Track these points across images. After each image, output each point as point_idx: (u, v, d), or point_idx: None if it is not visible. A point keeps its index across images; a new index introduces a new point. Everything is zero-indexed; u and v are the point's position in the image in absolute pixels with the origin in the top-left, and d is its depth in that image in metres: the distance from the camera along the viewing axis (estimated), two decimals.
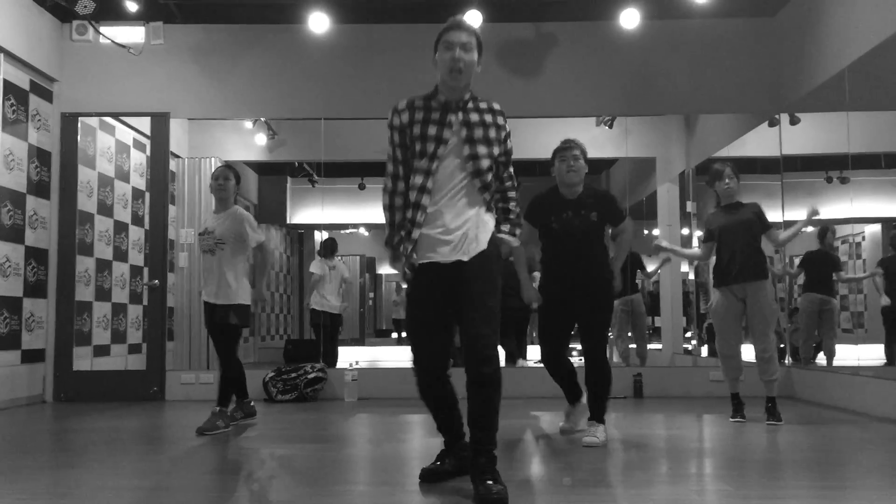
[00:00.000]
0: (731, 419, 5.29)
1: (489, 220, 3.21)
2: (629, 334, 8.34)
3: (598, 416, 4.49)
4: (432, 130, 3.14)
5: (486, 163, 3.14)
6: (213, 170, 8.33)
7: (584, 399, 4.69)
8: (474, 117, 3.18)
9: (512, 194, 3.40)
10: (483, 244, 3.13)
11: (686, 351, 8.65)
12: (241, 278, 5.14)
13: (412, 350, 3.17)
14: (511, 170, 3.40)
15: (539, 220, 4.62)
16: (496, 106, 3.28)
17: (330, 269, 8.85)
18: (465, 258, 3.09)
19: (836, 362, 6.85)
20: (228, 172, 5.22)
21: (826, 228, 7.00)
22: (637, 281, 8.46)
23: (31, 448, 4.39)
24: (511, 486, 3.06)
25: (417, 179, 3.14)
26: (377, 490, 3.31)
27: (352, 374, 6.81)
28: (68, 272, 7.06)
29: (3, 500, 3.03)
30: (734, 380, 5.35)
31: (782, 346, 7.36)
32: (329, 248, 9.05)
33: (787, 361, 7.12)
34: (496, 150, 3.21)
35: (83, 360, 7.18)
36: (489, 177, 3.17)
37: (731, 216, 5.30)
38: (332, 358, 8.30)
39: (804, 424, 5.18)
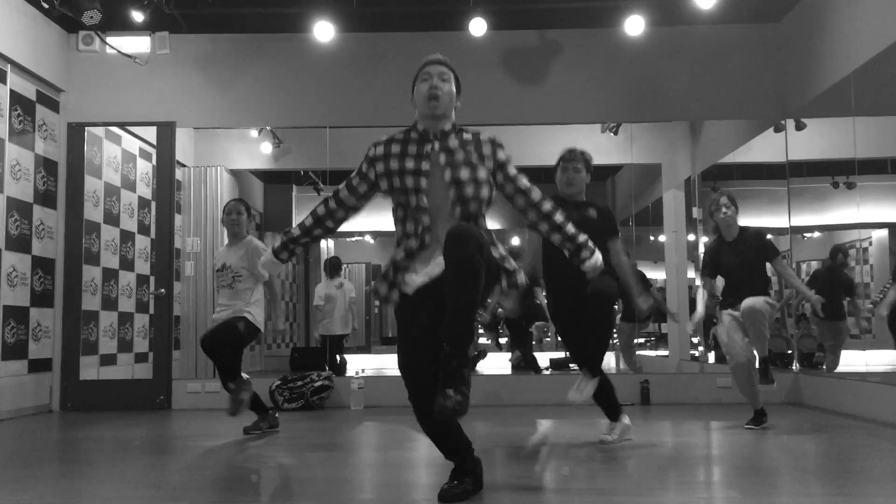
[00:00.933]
0: (745, 425, 5.20)
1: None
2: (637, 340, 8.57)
3: (614, 415, 4.60)
4: (410, 164, 3.03)
5: (470, 190, 2.99)
6: (218, 178, 8.40)
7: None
8: (454, 143, 3.07)
9: (559, 216, 3.15)
10: None
11: (693, 357, 8.62)
12: (258, 306, 5.19)
13: (407, 386, 3.02)
14: (536, 192, 3.15)
15: None
16: (484, 136, 3.13)
17: (336, 289, 8.81)
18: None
19: (844, 368, 6.80)
20: (241, 206, 5.28)
21: (838, 249, 6.87)
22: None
23: (38, 457, 4.39)
24: (518, 491, 3.05)
25: (403, 214, 3.05)
26: (384, 501, 3.30)
27: (358, 383, 6.81)
28: (75, 281, 7.08)
29: None
30: (753, 397, 5.19)
31: (790, 351, 7.33)
32: (334, 268, 9.02)
33: (794, 367, 7.08)
34: (482, 174, 3.03)
35: (90, 369, 7.19)
36: (474, 205, 3.01)
37: (733, 254, 5.24)
38: (339, 369, 8.32)
39: (812, 431, 5.16)
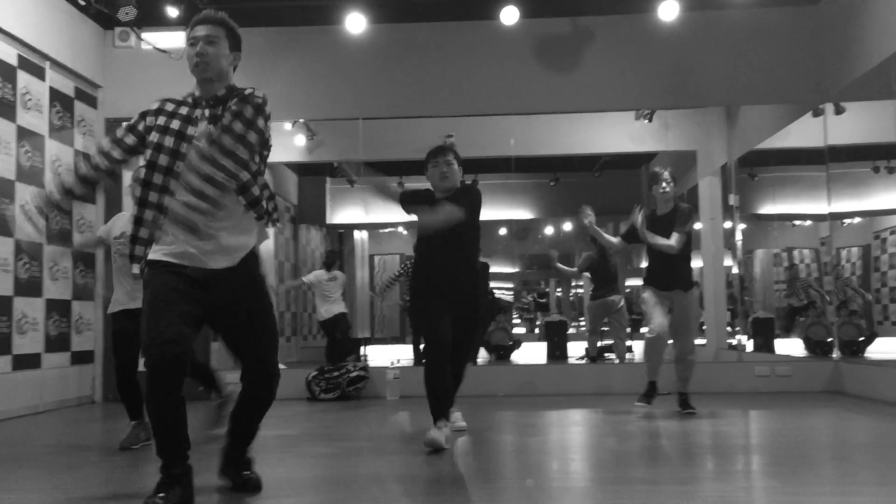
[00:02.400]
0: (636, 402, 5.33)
1: (251, 223, 2.97)
2: (604, 329, 8.70)
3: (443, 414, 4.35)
4: (174, 124, 2.97)
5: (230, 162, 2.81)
6: None
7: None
8: (226, 111, 2.94)
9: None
10: (246, 249, 2.94)
11: (730, 346, 8.53)
12: None
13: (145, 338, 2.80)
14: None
15: (409, 207, 4.57)
16: (257, 95, 3.00)
17: (329, 280, 8.86)
18: (227, 265, 2.88)
19: (886, 356, 6.69)
20: None
21: None
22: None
23: (82, 447, 4.48)
24: (551, 482, 3.04)
25: (147, 174, 2.92)
26: (418, 488, 3.32)
27: (393, 373, 6.84)
28: None
29: (57, 497, 3.10)
30: (653, 367, 5.34)
31: (830, 339, 7.22)
32: (330, 261, 9.07)
33: (835, 355, 6.98)
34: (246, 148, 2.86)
35: None
36: (244, 176, 2.87)
37: (662, 227, 5.28)
38: (343, 354, 8.41)
39: (853, 420, 5.08)
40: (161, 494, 2.71)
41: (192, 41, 3.09)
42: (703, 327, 9.39)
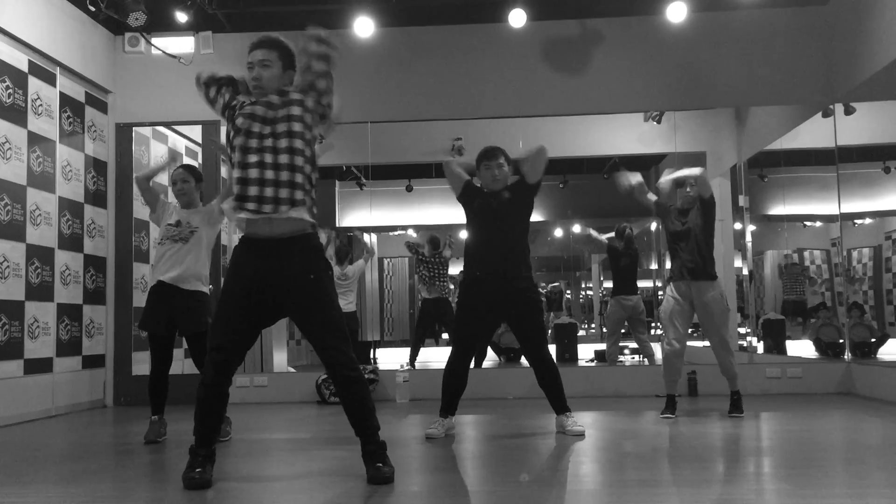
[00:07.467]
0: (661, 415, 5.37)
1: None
2: (622, 331, 8.66)
3: (562, 409, 4.76)
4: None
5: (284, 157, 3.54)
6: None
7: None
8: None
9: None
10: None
11: (741, 348, 8.49)
12: (205, 268, 4.96)
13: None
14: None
15: (465, 194, 4.81)
16: (293, 95, 3.65)
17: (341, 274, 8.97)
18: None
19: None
20: (186, 174, 5.00)
21: None
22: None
23: (93, 452, 4.50)
24: (562, 484, 3.04)
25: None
26: (428, 489, 3.32)
27: (403, 376, 6.84)
28: (126, 279, 7.23)
29: (71, 500, 3.12)
30: (673, 381, 5.41)
31: (841, 340, 7.18)
32: (343, 254, 9.19)
33: (846, 357, 6.94)
34: (295, 140, 3.58)
35: (142, 364, 7.32)
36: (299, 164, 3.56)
37: (684, 224, 5.39)
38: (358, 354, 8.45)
39: (865, 421, 5.06)
40: (198, 469, 3.28)
41: (248, 65, 3.62)
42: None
